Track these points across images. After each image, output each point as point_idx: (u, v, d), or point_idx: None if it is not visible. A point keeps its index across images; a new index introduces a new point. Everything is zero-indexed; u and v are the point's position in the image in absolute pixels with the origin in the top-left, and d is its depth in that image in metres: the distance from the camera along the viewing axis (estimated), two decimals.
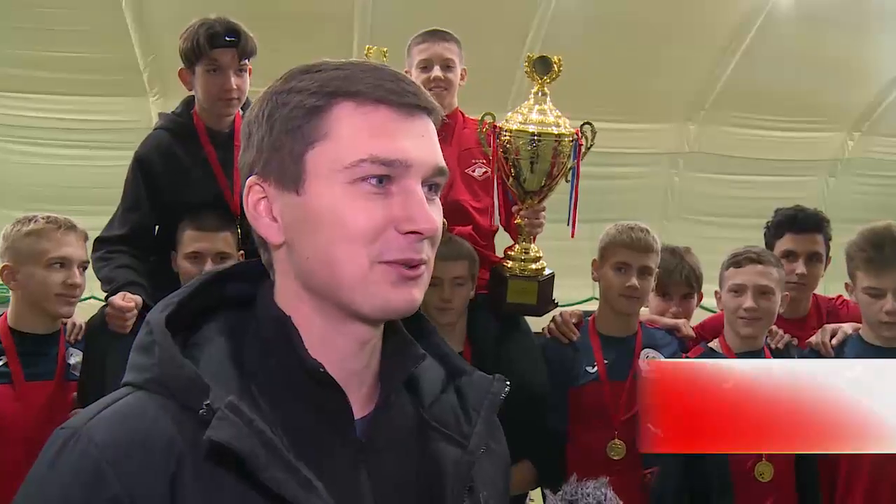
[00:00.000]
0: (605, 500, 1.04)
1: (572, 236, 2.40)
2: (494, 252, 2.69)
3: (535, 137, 2.29)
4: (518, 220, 2.47)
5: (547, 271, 2.51)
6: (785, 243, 2.70)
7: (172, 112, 2.58)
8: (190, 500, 0.77)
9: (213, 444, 0.75)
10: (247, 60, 2.42)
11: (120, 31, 7.05)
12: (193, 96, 2.52)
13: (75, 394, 2.31)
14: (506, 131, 2.33)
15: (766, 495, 2.31)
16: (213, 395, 0.78)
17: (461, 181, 2.59)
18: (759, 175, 8.77)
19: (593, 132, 2.38)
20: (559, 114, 2.37)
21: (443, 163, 0.88)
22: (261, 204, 0.87)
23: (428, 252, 0.86)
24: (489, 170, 2.53)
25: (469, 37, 2.82)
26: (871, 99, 8.61)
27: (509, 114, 2.39)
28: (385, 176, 0.83)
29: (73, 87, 7.49)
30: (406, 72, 2.66)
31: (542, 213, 2.46)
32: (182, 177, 2.45)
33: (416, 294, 0.85)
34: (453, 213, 2.49)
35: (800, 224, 2.70)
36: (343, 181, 0.82)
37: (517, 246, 2.50)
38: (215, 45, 2.36)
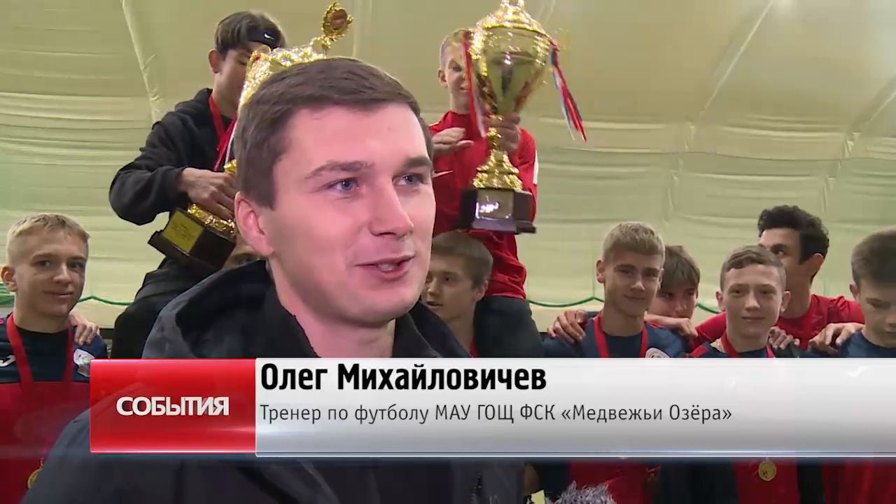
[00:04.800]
0: None
1: (584, 140, 2.35)
2: (515, 254, 2.66)
3: (508, 60, 2.24)
4: (491, 133, 2.36)
5: (522, 191, 2.36)
6: (760, 240, 2.83)
7: (191, 100, 2.61)
8: (195, 495, 0.78)
9: None
10: None
11: (120, 31, 7.05)
12: (209, 88, 2.54)
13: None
14: (486, 30, 2.28)
15: (768, 494, 2.31)
16: None
17: None
18: (759, 175, 8.77)
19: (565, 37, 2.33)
20: (538, 24, 2.31)
21: (417, 153, 0.84)
22: (249, 218, 0.88)
23: (413, 247, 0.84)
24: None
25: None
26: (871, 99, 8.61)
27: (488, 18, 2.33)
28: (351, 179, 0.81)
29: (73, 87, 7.49)
30: (439, 71, 2.64)
31: (517, 123, 2.37)
32: (198, 159, 2.46)
33: (404, 292, 0.84)
34: None
35: (771, 220, 2.83)
36: (308, 191, 0.82)
37: (491, 158, 2.36)
38: (253, 39, 2.41)
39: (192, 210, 2.26)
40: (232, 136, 0.93)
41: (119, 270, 5.35)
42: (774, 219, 2.83)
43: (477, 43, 2.31)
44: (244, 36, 2.42)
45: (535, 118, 7.56)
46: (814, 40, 7.62)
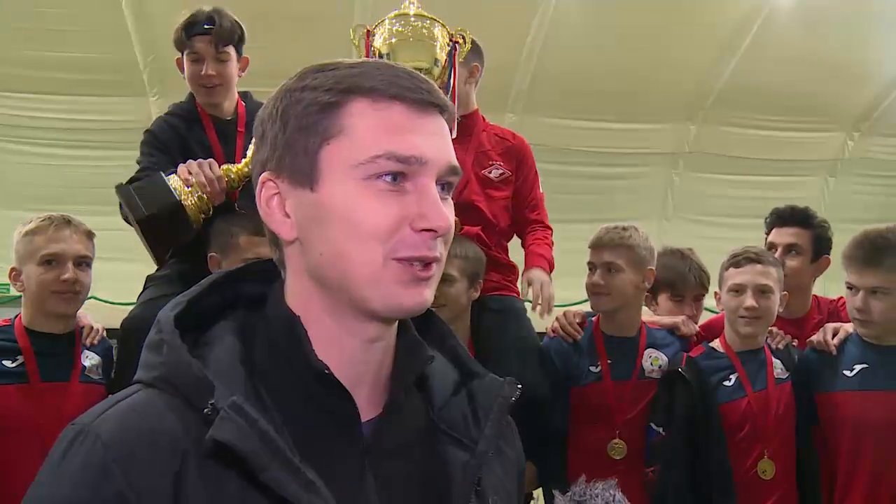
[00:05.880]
0: (613, 501, 1.03)
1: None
2: (507, 254, 2.67)
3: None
4: None
5: None
6: (770, 237, 2.82)
7: (181, 101, 2.62)
8: (193, 498, 0.77)
9: (215, 444, 0.75)
10: (228, 48, 2.44)
11: (120, 31, 7.05)
12: None
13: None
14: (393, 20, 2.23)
15: (767, 493, 2.31)
16: (218, 394, 0.78)
17: (476, 181, 2.58)
18: (759, 175, 8.77)
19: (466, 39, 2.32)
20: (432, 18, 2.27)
21: (456, 162, 0.87)
22: (273, 200, 0.87)
23: (441, 250, 0.85)
24: (506, 171, 2.58)
25: None
26: (871, 99, 8.61)
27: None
28: (400, 173, 0.83)
29: (73, 87, 7.49)
30: None
31: None
32: (190, 158, 2.45)
33: (427, 294, 0.85)
34: (465, 212, 2.48)
35: (783, 218, 2.81)
36: (357, 178, 0.82)
37: None
38: (192, 34, 2.42)
39: (174, 181, 2.20)
40: (258, 120, 0.89)
41: (119, 270, 5.34)
42: (786, 217, 2.81)
43: (378, 43, 2.26)
44: (183, 35, 2.43)
45: (535, 118, 7.61)
46: (814, 40, 7.62)
